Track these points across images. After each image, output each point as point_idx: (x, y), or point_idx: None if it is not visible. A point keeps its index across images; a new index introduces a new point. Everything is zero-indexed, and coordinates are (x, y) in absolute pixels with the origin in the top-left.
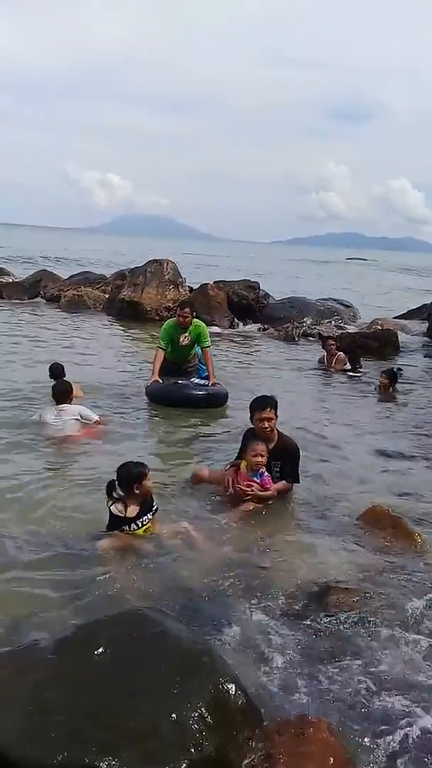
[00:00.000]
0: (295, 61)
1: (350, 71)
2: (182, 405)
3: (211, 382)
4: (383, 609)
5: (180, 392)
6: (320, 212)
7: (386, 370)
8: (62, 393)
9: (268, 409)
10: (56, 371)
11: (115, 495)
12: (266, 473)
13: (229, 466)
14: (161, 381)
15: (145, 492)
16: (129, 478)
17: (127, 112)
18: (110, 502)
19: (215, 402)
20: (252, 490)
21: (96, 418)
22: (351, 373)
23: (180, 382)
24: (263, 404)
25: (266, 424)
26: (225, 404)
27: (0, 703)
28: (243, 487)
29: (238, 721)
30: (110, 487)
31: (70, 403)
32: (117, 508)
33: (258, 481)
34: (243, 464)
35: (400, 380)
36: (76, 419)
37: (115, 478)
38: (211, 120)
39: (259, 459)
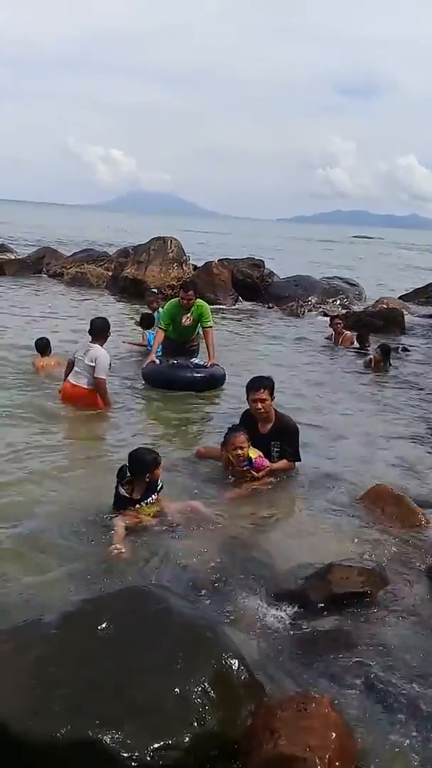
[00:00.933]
0: (304, 35)
1: (359, 46)
2: (178, 388)
3: (210, 363)
4: (386, 586)
5: (175, 375)
6: (326, 189)
7: (381, 345)
8: (95, 329)
9: (262, 390)
10: (41, 346)
11: (125, 480)
12: (256, 457)
13: (221, 447)
14: (158, 362)
15: (154, 479)
16: (142, 466)
17: (131, 86)
18: (119, 483)
19: (212, 384)
20: (251, 473)
21: (103, 377)
22: (359, 351)
23: (177, 363)
24: (257, 385)
25: (260, 405)
26: (222, 385)
27: (3, 678)
28: (240, 469)
29: (241, 696)
30: (122, 473)
31: (101, 344)
32: (124, 489)
33: (247, 467)
34: (228, 457)
35: (406, 359)
36: (92, 365)
37: (126, 464)
38: (217, 95)
39: (239, 452)
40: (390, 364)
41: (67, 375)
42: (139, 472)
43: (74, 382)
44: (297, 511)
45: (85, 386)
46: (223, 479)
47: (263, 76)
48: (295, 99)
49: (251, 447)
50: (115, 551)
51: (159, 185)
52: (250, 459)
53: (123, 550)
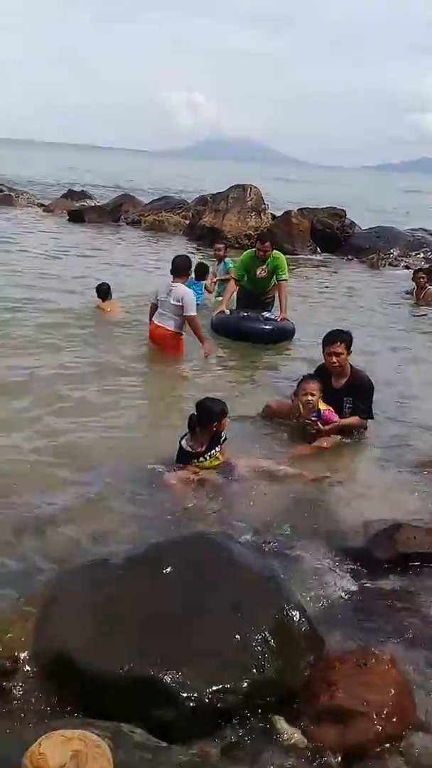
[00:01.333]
0: None
1: None
2: (246, 339)
3: (280, 317)
4: None
5: (244, 326)
6: (413, 135)
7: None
8: (177, 267)
9: (338, 344)
10: (102, 291)
11: (195, 430)
12: (325, 410)
13: (293, 397)
14: (228, 312)
15: (221, 429)
16: (210, 416)
17: (217, 29)
18: (183, 436)
19: (281, 337)
20: (317, 425)
21: (193, 314)
22: None
23: (248, 314)
24: (334, 338)
25: (334, 359)
26: (291, 339)
27: (73, 614)
28: (309, 420)
29: (300, 647)
30: (192, 422)
31: (183, 282)
32: (188, 443)
33: (315, 419)
34: (297, 403)
35: None
36: (178, 304)
37: (195, 413)
38: (305, 35)
39: (309, 398)
40: None
41: (151, 316)
42: (207, 422)
43: (158, 323)
44: (365, 470)
45: (170, 328)
46: (290, 436)
47: (353, 14)
48: (387, 39)
49: (321, 401)
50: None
51: (244, 132)
52: (319, 410)
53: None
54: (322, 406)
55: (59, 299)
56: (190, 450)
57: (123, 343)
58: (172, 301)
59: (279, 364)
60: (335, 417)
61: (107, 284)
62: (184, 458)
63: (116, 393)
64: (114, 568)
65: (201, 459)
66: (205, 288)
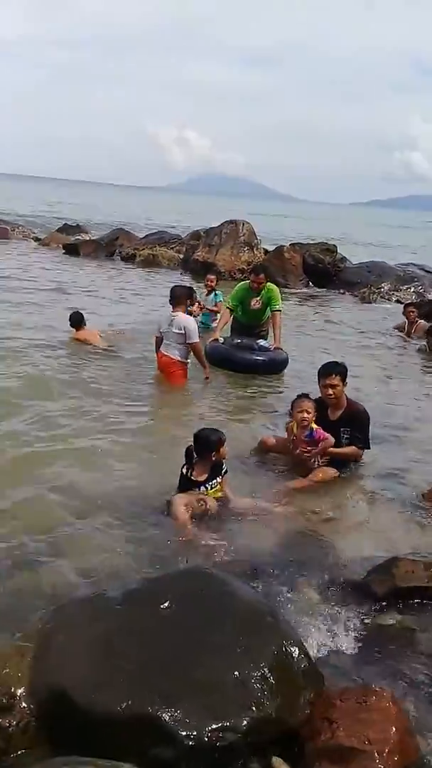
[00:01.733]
0: (383, 12)
1: None
2: (238, 369)
3: (274, 346)
4: None
5: (237, 356)
6: (402, 173)
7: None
8: (175, 297)
9: (333, 376)
10: (75, 320)
11: (194, 461)
12: (317, 427)
13: (288, 418)
14: (221, 340)
15: (219, 459)
16: (207, 446)
17: (206, 66)
18: (184, 465)
19: (273, 368)
20: (309, 451)
21: (196, 340)
22: None
23: (241, 342)
24: (329, 371)
25: (330, 391)
26: (284, 370)
27: (70, 648)
28: (302, 442)
29: (300, 684)
30: (189, 453)
31: (182, 311)
32: (189, 471)
33: (308, 440)
34: (292, 424)
35: None
36: (180, 332)
37: (192, 444)
38: (294, 75)
39: (305, 415)
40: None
41: (157, 349)
42: (205, 452)
43: (164, 352)
44: (362, 504)
45: (175, 357)
46: (286, 471)
47: (342, 55)
48: (375, 79)
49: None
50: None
51: (233, 167)
52: (312, 429)
53: (186, 529)
54: (314, 426)
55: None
56: (192, 478)
57: (112, 374)
58: (174, 330)
59: (274, 397)
60: (326, 435)
61: (80, 313)
62: (186, 486)
63: (109, 424)
64: (111, 602)
65: (202, 488)
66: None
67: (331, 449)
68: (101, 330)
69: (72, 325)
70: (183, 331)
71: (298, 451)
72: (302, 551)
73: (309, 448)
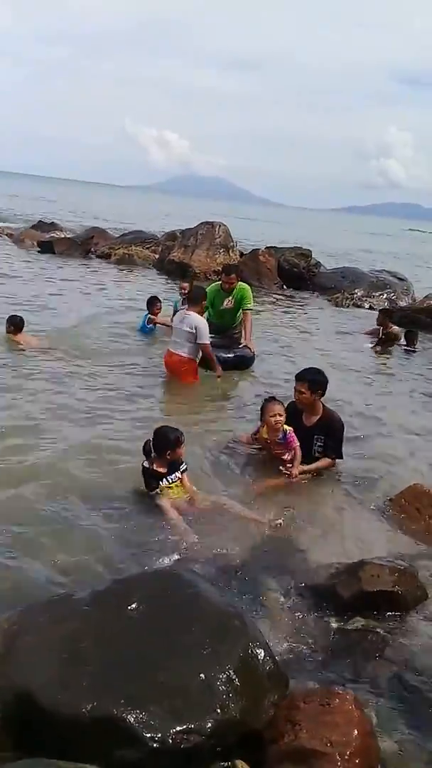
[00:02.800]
0: (364, 22)
1: (419, 35)
2: (205, 366)
3: (243, 345)
4: (419, 586)
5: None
6: (380, 180)
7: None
8: (193, 297)
9: (300, 383)
10: (15, 323)
11: (151, 456)
12: (289, 430)
13: (258, 423)
14: None
15: (175, 457)
16: (165, 443)
17: (188, 70)
18: (145, 461)
19: (238, 365)
20: (283, 453)
21: (207, 342)
22: (406, 348)
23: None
24: (299, 377)
25: (297, 396)
26: (250, 367)
27: (36, 650)
28: (275, 443)
29: (265, 686)
30: (147, 448)
31: (197, 312)
32: (150, 465)
33: (281, 442)
34: (263, 429)
35: None
36: (191, 332)
37: (151, 439)
38: (274, 81)
39: (278, 418)
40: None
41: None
42: (162, 449)
43: (173, 351)
44: (331, 507)
45: (184, 355)
46: (258, 469)
47: (322, 63)
48: (352, 87)
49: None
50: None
51: (212, 170)
52: (285, 431)
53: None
54: (287, 428)
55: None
56: (154, 469)
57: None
58: (185, 329)
59: (247, 397)
60: (295, 441)
61: (20, 317)
62: (150, 479)
63: (75, 421)
64: (78, 603)
65: (165, 481)
66: (151, 320)
67: (306, 466)
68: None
69: (11, 330)
70: (194, 331)
71: (274, 453)
72: (270, 554)
73: (284, 450)
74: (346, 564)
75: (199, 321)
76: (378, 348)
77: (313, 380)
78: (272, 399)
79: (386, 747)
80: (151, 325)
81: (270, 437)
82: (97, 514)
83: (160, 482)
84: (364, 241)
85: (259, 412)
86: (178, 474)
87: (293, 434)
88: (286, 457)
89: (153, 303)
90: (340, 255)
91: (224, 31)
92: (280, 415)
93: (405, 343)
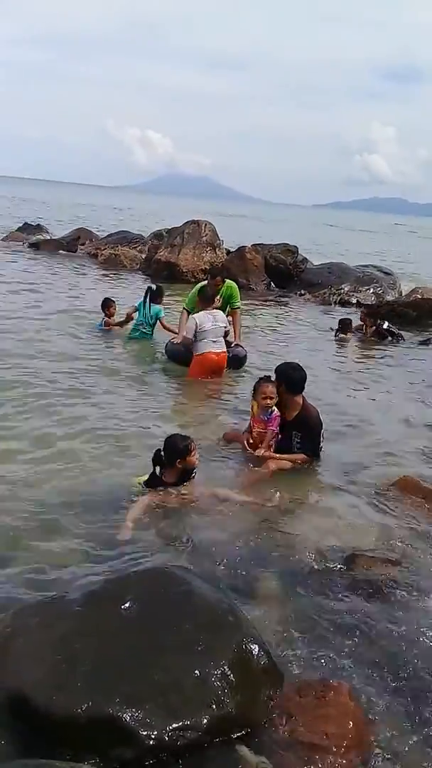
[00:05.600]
0: (346, 19)
1: (401, 31)
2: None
3: (234, 343)
4: (409, 577)
5: None
6: (364, 176)
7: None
8: (209, 297)
9: (268, 385)
10: None
11: (162, 464)
12: (275, 411)
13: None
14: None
15: (188, 466)
16: (174, 453)
17: (170, 69)
18: (155, 467)
19: (231, 364)
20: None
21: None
22: (390, 338)
23: None
24: (268, 379)
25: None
26: (243, 366)
27: (28, 652)
28: (258, 427)
29: (260, 681)
30: (157, 458)
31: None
32: (160, 473)
33: (264, 419)
34: (254, 405)
35: None
36: (225, 327)
37: (161, 448)
38: (256, 79)
39: (269, 401)
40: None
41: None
42: (173, 459)
43: (218, 350)
44: (322, 500)
45: (225, 350)
46: (247, 463)
47: (303, 60)
48: (335, 84)
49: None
50: (121, 532)
51: (197, 168)
52: (271, 411)
53: (127, 530)
54: (275, 409)
55: None
56: (162, 479)
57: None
58: (220, 325)
59: (233, 394)
60: (276, 424)
61: None
62: (154, 483)
63: (72, 423)
64: (72, 603)
65: (170, 490)
66: (108, 323)
67: (278, 455)
68: None
69: None
70: (225, 324)
71: (254, 431)
72: (263, 548)
73: (264, 428)
74: (338, 556)
75: (223, 315)
76: (338, 336)
77: (278, 371)
78: (266, 379)
79: (381, 738)
80: (106, 328)
81: (256, 413)
82: (87, 514)
83: (162, 489)
84: (348, 237)
85: (253, 390)
86: (185, 484)
87: (278, 417)
88: (262, 441)
89: (107, 305)
90: (326, 251)
91: (206, 29)
92: (272, 397)
93: (389, 336)
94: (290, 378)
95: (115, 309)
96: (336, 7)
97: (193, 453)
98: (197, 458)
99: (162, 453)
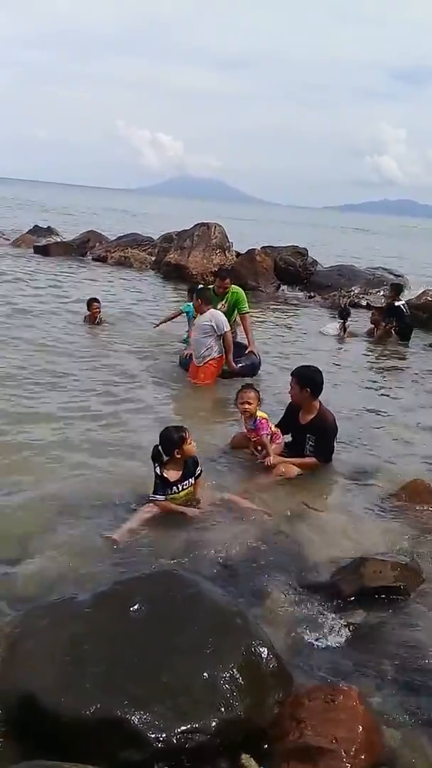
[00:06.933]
0: (357, 19)
1: (413, 31)
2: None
3: (248, 350)
4: (420, 582)
5: None
6: (374, 177)
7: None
8: (207, 299)
9: (292, 378)
10: None
11: (162, 459)
12: (260, 417)
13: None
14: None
15: (186, 455)
16: (170, 443)
17: (180, 70)
18: (156, 465)
19: (250, 373)
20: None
21: (227, 329)
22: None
23: None
24: (292, 372)
25: (290, 391)
26: (256, 374)
27: (38, 653)
28: (250, 437)
29: (269, 684)
30: (156, 452)
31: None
32: (161, 470)
33: (251, 428)
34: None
35: None
36: (211, 325)
37: (158, 443)
38: (267, 80)
39: (246, 407)
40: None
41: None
42: (170, 450)
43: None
44: (331, 504)
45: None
46: (256, 467)
47: (314, 61)
48: (345, 84)
49: (263, 413)
50: (112, 537)
51: (207, 170)
52: (256, 418)
53: (116, 539)
54: (260, 414)
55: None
56: (165, 476)
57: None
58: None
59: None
60: (266, 430)
61: None
62: (160, 486)
63: (79, 432)
64: (80, 606)
65: (176, 488)
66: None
67: (289, 459)
68: None
69: None
70: (214, 324)
71: (252, 440)
72: (271, 551)
73: (255, 436)
74: (348, 560)
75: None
76: (375, 346)
77: (301, 375)
78: (246, 386)
79: (391, 742)
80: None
81: (246, 424)
82: (96, 516)
83: (169, 490)
84: (359, 239)
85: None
86: (191, 480)
87: (264, 422)
88: (261, 449)
89: (90, 304)
90: (335, 253)
91: (215, 30)
92: (249, 403)
93: (399, 339)
94: (314, 381)
95: (98, 309)
96: (348, 5)
97: (188, 441)
98: (194, 446)
99: (159, 447)
